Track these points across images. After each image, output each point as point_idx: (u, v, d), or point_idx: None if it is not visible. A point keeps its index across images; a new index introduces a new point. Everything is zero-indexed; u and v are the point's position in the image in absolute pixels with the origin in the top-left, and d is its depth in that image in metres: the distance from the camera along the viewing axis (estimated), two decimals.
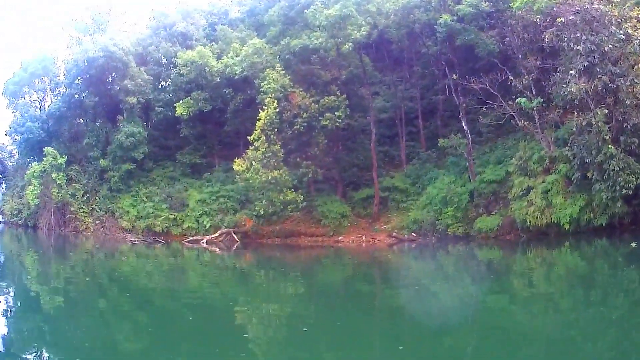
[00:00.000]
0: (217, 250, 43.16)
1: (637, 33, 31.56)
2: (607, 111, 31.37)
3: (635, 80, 31.11)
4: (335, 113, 44.48)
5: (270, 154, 43.85)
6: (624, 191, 30.68)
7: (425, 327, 16.57)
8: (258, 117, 44.90)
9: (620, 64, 31.46)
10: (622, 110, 31.27)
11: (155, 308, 20.18)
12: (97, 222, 52.03)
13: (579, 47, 31.89)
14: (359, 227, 47.01)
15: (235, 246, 45.33)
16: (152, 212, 50.03)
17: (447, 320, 17.34)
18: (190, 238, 47.91)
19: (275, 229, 47.53)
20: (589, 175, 32.53)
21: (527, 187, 36.74)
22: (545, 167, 36.80)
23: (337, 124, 44.77)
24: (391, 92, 51.65)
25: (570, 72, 32.12)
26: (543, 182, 36.13)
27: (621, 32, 31.29)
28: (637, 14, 32.56)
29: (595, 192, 32.45)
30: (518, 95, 38.23)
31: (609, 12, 31.68)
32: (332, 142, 47.59)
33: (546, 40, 34.24)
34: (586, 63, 31.71)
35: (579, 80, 31.60)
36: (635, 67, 31.43)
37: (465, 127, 42.74)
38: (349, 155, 49.83)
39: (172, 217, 49.56)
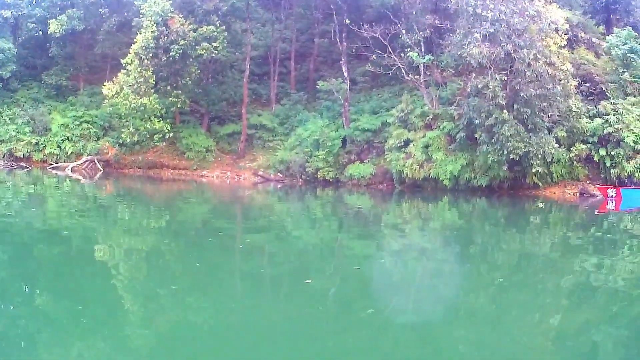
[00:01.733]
0: (81, 178, 38.29)
1: (547, 12, 30.62)
2: (505, 78, 29.74)
3: (538, 56, 29.88)
4: (213, 44, 40.49)
5: (142, 79, 39.34)
6: (511, 156, 29.85)
7: (286, 270, 14.51)
8: (134, 40, 40.13)
9: (525, 38, 30.12)
10: (519, 80, 30.14)
11: (9, 240, 16.86)
12: None
13: (486, 14, 30.23)
14: (223, 162, 43.72)
15: (97, 175, 40.75)
16: (15, 136, 43.50)
17: (308, 264, 15.35)
18: (55, 165, 42.52)
19: (138, 159, 43.39)
20: (477, 136, 31.11)
21: (406, 140, 34.85)
22: (426, 122, 35.05)
23: (214, 54, 40.90)
24: (265, 30, 47.54)
25: (475, 35, 30.36)
26: (424, 136, 34.41)
27: (533, 8, 30.31)
28: None
29: (481, 154, 31.45)
30: (407, 49, 35.58)
31: None
32: (203, 74, 43.51)
33: (453, 1, 31.93)
34: (492, 30, 30.22)
35: (482, 44, 29.84)
36: (539, 43, 30.30)
37: (345, 73, 40.24)
38: (218, 88, 45.79)
39: (34, 141, 43.39)
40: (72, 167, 41.60)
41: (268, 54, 46.96)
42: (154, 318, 10.09)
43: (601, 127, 31.49)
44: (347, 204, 32.06)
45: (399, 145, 34.66)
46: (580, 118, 32.01)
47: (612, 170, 31.28)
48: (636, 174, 30.55)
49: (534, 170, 30.49)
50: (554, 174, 31.84)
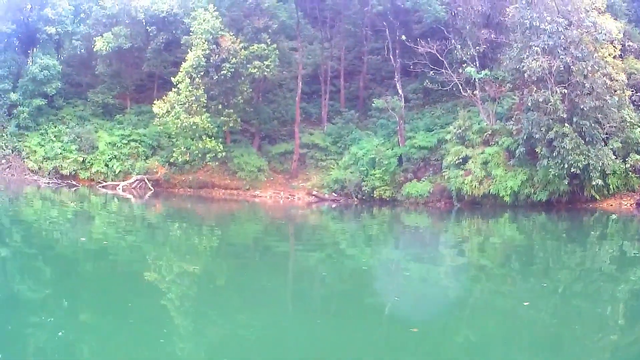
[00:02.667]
0: (131, 197, 39.55)
1: (602, 22, 31.23)
2: (565, 91, 30.58)
3: (596, 67, 30.65)
4: (264, 62, 41.40)
5: (193, 98, 40.43)
6: (572, 169, 30.39)
7: (340, 293, 14.91)
8: (185, 59, 41.39)
9: (582, 49, 30.89)
10: (578, 92, 30.83)
11: (58, 259, 17.68)
12: (2, 161, 45.86)
13: (543, 26, 31.02)
14: (275, 182, 44.47)
15: (148, 194, 41.83)
16: (60, 153, 44.87)
17: (365, 285, 15.93)
18: (105, 183, 43.84)
19: (188, 179, 44.36)
20: (537, 150, 31.77)
21: (464, 156, 35.61)
22: (484, 138, 35.78)
23: (266, 73, 41.74)
24: (313, 48, 48.90)
25: (535, 48, 31.14)
26: (482, 152, 35.12)
27: (590, 19, 30.96)
28: (601, 5, 32.20)
29: (541, 168, 31.98)
30: (464, 64, 36.74)
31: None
32: (254, 93, 44.49)
33: (509, 15, 32.97)
34: (551, 42, 30.95)
35: (541, 57, 30.73)
36: (596, 54, 31.02)
37: (399, 90, 40.98)
38: (269, 107, 46.83)
39: (80, 159, 44.68)
40: (122, 187, 42.86)
41: (318, 73, 47.97)
42: (203, 334, 10.66)
43: None
44: (405, 223, 32.90)
45: (457, 162, 35.45)
46: (633, 128, 32.61)
47: None
48: None
49: (593, 183, 30.97)
50: (610, 186, 32.15)
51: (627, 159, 31.92)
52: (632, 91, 32.63)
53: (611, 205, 32.51)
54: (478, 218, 33.07)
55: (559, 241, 24.67)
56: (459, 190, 35.27)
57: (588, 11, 31.19)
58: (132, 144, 45.72)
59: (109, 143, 45.54)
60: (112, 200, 37.71)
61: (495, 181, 33.90)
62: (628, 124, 32.12)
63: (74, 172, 44.44)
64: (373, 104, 41.54)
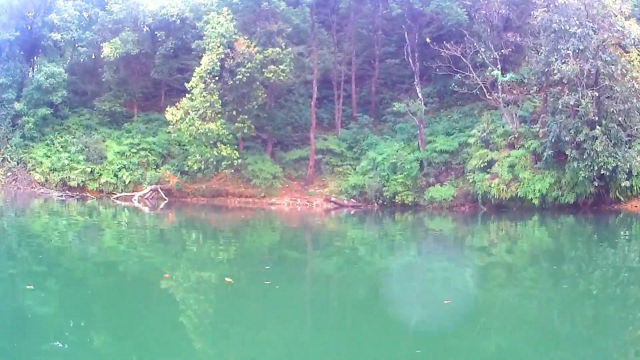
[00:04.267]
0: (146, 209, 40.00)
1: (631, 27, 33.41)
2: (597, 94, 32.54)
3: (624, 70, 32.77)
4: (280, 66, 42.59)
5: (208, 104, 41.38)
6: (602, 171, 32.37)
7: (361, 301, 15.14)
8: (199, 63, 42.34)
9: (611, 53, 32.90)
10: (607, 95, 33.00)
11: (68, 274, 17.62)
12: (8, 174, 46.40)
13: (574, 30, 32.99)
14: (291, 189, 45.64)
15: (162, 205, 42.41)
16: (68, 164, 45.40)
17: (387, 292, 16.19)
18: (119, 195, 44.39)
19: (201, 187, 45.20)
20: (567, 153, 33.64)
21: (489, 160, 37.40)
22: (509, 141, 37.65)
23: (282, 77, 42.92)
24: (323, 52, 50.30)
25: (567, 52, 33.05)
26: (508, 156, 36.94)
27: (619, 24, 33.12)
28: (630, 9, 34.59)
29: (570, 171, 33.88)
30: (487, 68, 38.72)
31: (611, 3, 33.59)
32: (268, 98, 45.49)
33: (537, 18, 34.93)
34: (581, 46, 32.85)
35: (573, 60, 32.67)
36: (623, 58, 33.25)
37: (419, 94, 42.60)
38: (283, 113, 47.99)
39: (88, 170, 45.27)
40: (138, 197, 43.54)
41: (328, 77, 49.42)
42: (224, 355, 10.55)
43: None
44: (431, 228, 34.18)
45: (482, 165, 37.30)
46: None
47: None
48: None
49: (622, 184, 33.22)
50: (634, 187, 34.26)
51: None
52: None
53: (636, 206, 34.55)
54: (506, 221, 34.64)
55: (590, 243, 26.08)
56: (485, 194, 37.03)
57: (616, 15, 33.30)
58: (142, 152, 46.40)
59: (118, 152, 46.18)
60: (124, 212, 37.89)
61: (523, 184, 35.73)
62: None
63: (82, 184, 45.03)
64: (394, 108, 42.72)
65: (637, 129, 33.59)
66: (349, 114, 49.95)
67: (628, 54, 33.72)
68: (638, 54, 33.92)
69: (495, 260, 22.15)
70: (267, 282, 15.94)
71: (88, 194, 44.62)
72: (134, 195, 43.84)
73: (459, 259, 22.03)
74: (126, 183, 45.30)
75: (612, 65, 32.62)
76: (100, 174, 45.52)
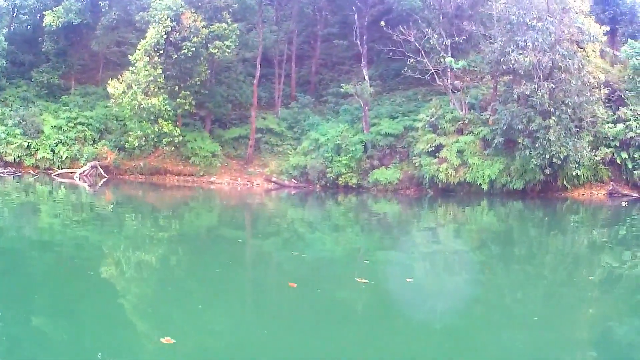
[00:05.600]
0: (86, 186, 38.63)
1: (590, 25, 35.71)
2: (553, 86, 33.92)
3: (580, 65, 34.58)
4: (225, 42, 42.17)
5: (151, 78, 40.46)
6: (554, 160, 33.82)
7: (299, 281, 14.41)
8: (144, 36, 41.56)
9: (568, 48, 34.65)
10: (562, 88, 34.43)
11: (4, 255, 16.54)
12: None
13: (533, 23, 34.59)
14: (230, 168, 45.35)
15: (101, 182, 41.11)
16: (4, 138, 43.03)
17: (324, 274, 15.80)
18: (60, 171, 42.68)
19: (139, 165, 44.23)
20: (519, 141, 34.90)
21: (437, 145, 38.42)
22: (458, 127, 38.70)
23: (227, 54, 42.56)
24: (265, 30, 49.88)
25: (521, 43, 34.49)
26: (457, 141, 38.06)
27: (580, 21, 35.05)
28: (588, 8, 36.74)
29: (520, 158, 35.25)
30: (438, 54, 39.67)
31: (571, 1, 35.56)
32: (210, 75, 45.05)
33: (497, 10, 36.15)
34: (540, 39, 34.31)
35: (530, 52, 34.09)
36: (580, 53, 35.24)
37: (366, 77, 43.25)
38: (223, 90, 47.45)
39: (25, 144, 43.21)
40: (80, 174, 42.07)
41: (268, 56, 49.21)
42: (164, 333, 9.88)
43: (623, 132, 36.18)
44: (376, 210, 34.45)
45: (430, 150, 38.28)
46: (604, 124, 36.75)
47: (634, 172, 35.98)
48: None
49: (573, 173, 34.99)
50: (581, 177, 36.05)
51: (596, 152, 35.84)
52: (608, 90, 36.57)
53: (582, 194, 36.35)
54: (454, 205, 35.42)
55: (541, 228, 27.03)
56: (432, 178, 38.01)
57: (577, 13, 35.11)
58: (79, 127, 44.76)
59: (55, 127, 44.34)
60: (64, 190, 36.34)
61: (472, 169, 36.93)
62: (599, 120, 36.09)
63: (18, 159, 43.00)
64: (341, 89, 43.26)
65: (587, 122, 35.14)
66: (288, 94, 49.98)
67: (583, 50, 35.20)
68: (593, 50, 35.38)
69: (444, 243, 22.07)
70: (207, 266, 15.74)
71: (30, 171, 43.04)
72: (74, 172, 42.40)
73: (406, 241, 22.02)
74: (63, 159, 43.60)
75: (569, 59, 34.17)
76: (37, 149, 43.62)
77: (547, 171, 34.57)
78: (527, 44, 34.25)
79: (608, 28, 38.47)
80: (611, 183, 36.68)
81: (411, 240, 22.19)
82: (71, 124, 44.92)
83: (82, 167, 43.14)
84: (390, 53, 41.51)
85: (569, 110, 34.29)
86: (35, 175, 41.75)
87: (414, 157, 39.47)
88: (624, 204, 33.89)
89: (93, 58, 50.26)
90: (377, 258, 18.37)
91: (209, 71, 43.56)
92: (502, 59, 35.58)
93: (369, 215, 31.59)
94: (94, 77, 48.30)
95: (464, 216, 31.86)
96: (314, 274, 15.52)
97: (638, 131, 35.97)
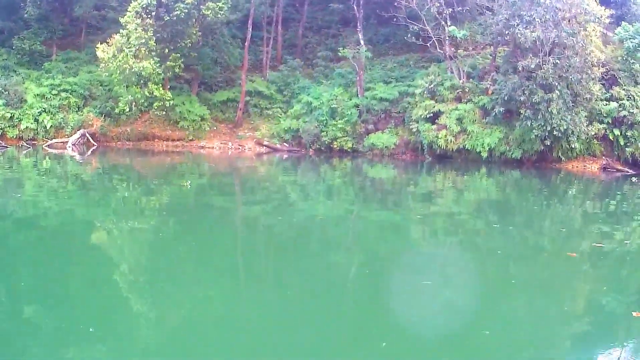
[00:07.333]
0: (77, 155, 37.40)
1: (593, 6, 37.06)
2: (558, 62, 35.17)
3: (584, 44, 36.09)
4: (217, 4, 41.97)
5: (142, 41, 39.69)
6: (554, 133, 35.44)
7: (290, 245, 14.95)
8: None
9: (573, 26, 36.09)
10: (565, 64, 35.79)
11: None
12: None
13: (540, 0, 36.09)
14: (219, 132, 45.29)
15: (90, 150, 39.89)
16: None
17: (321, 237, 16.18)
18: (50, 142, 41.12)
19: (126, 131, 43.53)
20: (521, 112, 36.24)
21: (436, 111, 39.41)
22: (456, 95, 39.67)
23: (219, 15, 42.40)
24: None
25: (531, 19, 35.90)
26: (456, 109, 39.11)
27: (585, 3, 36.52)
28: None
29: (521, 128, 36.59)
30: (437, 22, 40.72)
31: None
32: (201, 37, 44.38)
33: None
34: (548, 16, 35.84)
35: (537, 28, 35.52)
36: (583, 32, 36.65)
37: (361, 41, 43.77)
38: (214, 52, 47.08)
39: (8, 115, 41.38)
40: (71, 143, 40.52)
41: (260, 18, 49.19)
42: (156, 312, 9.86)
43: (616, 110, 37.73)
44: (372, 175, 35.11)
45: (428, 116, 39.32)
46: (599, 101, 38.15)
47: (627, 149, 37.71)
48: None
49: (570, 145, 36.53)
50: (576, 150, 37.65)
51: (590, 127, 37.29)
52: (605, 69, 38.00)
53: (576, 167, 37.92)
54: (452, 171, 36.35)
55: (540, 196, 27.86)
56: (430, 144, 39.04)
57: None
58: (63, 94, 43.07)
59: (38, 95, 42.60)
60: (57, 161, 34.73)
61: (472, 137, 38.16)
62: (595, 97, 37.47)
63: (1, 131, 41.33)
64: (339, 52, 43.91)
65: (584, 98, 36.56)
66: (274, 57, 49.95)
67: (585, 30, 36.48)
68: (593, 30, 36.90)
69: (443, 209, 22.21)
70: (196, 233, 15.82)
71: (26, 143, 41.49)
72: (64, 142, 40.92)
73: (411, 206, 22.77)
74: (47, 128, 42.02)
75: (573, 37, 35.63)
76: (20, 120, 41.93)
77: (547, 142, 36.05)
78: (534, 19, 35.25)
79: (613, 11, 39.42)
80: (605, 158, 38.08)
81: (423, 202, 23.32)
82: (55, 92, 43.21)
83: (68, 136, 41.77)
84: (379, 18, 42.08)
85: (571, 87, 35.60)
86: (29, 148, 40.01)
87: (411, 123, 40.34)
88: (634, 179, 34.89)
89: (73, 23, 49.26)
90: (382, 222, 18.94)
91: (200, 33, 43.00)
92: (505, 32, 36.69)
93: (372, 182, 32.13)
94: (74, 42, 47.35)
95: (463, 182, 32.76)
96: (308, 239, 15.88)
97: (631, 110, 37.54)
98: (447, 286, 11.63)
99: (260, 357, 8.29)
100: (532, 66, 35.42)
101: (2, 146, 39.65)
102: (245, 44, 46.07)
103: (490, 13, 39.02)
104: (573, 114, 35.81)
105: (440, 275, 12.53)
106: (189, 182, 23.00)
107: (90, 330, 8.47)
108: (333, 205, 22.54)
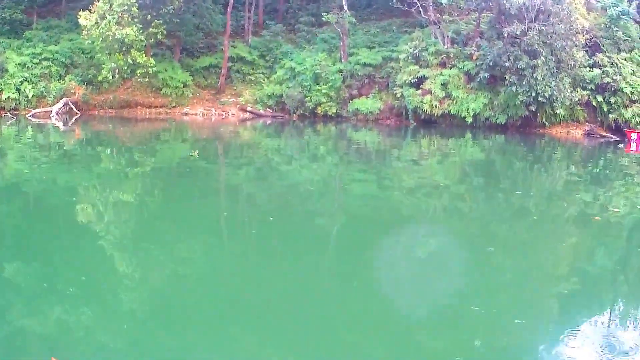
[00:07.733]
0: (61, 124, 36.92)
1: None
2: (544, 28, 35.44)
3: (569, 12, 36.31)
4: None
5: (125, 7, 38.77)
6: (539, 98, 35.72)
7: (274, 212, 15.00)
8: None
9: None
10: (551, 31, 35.89)
11: None
12: None
13: None
14: (202, 98, 44.76)
15: (73, 119, 39.24)
16: None
17: (302, 202, 16.41)
18: (34, 111, 40.03)
19: (109, 99, 42.72)
20: (506, 77, 36.41)
21: (421, 76, 39.41)
22: (441, 60, 39.71)
23: None
24: None
25: None
26: (441, 74, 39.21)
27: None
28: None
29: (506, 94, 36.90)
30: None
31: None
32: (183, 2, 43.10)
33: None
34: None
35: None
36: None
37: (345, 6, 43.55)
38: (196, 18, 46.06)
39: None
40: (55, 112, 39.70)
41: None
42: (143, 274, 9.95)
43: (599, 77, 38.05)
44: (357, 139, 35.42)
45: (412, 81, 39.33)
46: (582, 67, 38.43)
47: (610, 115, 38.04)
48: (633, 120, 37.53)
49: (554, 111, 36.92)
50: (559, 115, 38.02)
51: (574, 93, 37.59)
52: (589, 36, 38.25)
53: (560, 132, 38.27)
54: (437, 136, 36.78)
55: (525, 160, 28.80)
56: (415, 109, 39.14)
57: None
58: (44, 63, 42.09)
59: (19, 64, 41.46)
60: (24, 130, 34.16)
61: (457, 102, 38.35)
62: (579, 63, 37.72)
63: None
64: (323, 18, 43.52)
65: (568, 64, 36.87)
66: (256, 22, 49.54)
67: None
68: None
69: (431, 173, 23.14)
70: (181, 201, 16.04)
71: (3, 113, 39.99)
72: (47, 112, 40.14)
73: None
74: (29, 97, 40.93)
75: (558, 5, 36.00)
76: (2, 89, 40.77)
77: (532, 108, 36.37)
78: None
79: None
80: (589, 124, 38.38)
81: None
82: (36, 60, 42.23)
83: (50, 105, 40.90)
84: None
85: (552, 52, 35.83)
86: (13, 118, 38.71)
87: (395, 88, 40.34)
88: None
89: None
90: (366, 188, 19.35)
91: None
92: None
93: (357, 145, 32.52)
94: (55, 10, 46.44)
95: (448, 147, 33.30)
96: (291, 202, 16.24)
97: (614, 77, 37.81)
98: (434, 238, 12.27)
99: (246, 314, 8.44)
100: (518, 32, 35.63)
101: None
102: (228, 9, 45.28)
103: None
104: (557, 80, 36.07)
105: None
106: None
107: (71, 290, 8.72)
108: (318, 168, 23.10)
